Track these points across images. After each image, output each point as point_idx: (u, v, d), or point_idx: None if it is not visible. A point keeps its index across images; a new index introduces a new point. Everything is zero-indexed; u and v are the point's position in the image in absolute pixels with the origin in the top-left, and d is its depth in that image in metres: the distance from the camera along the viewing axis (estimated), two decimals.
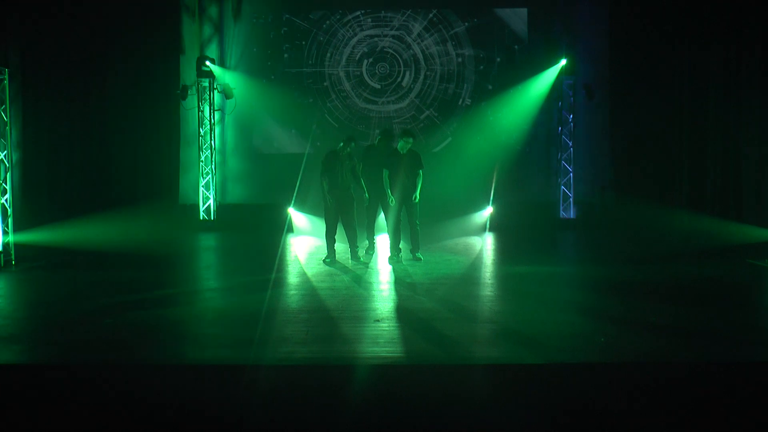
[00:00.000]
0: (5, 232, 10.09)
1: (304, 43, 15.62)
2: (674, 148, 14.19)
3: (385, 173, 9.87)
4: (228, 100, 15.42)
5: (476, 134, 15.26)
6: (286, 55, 15.63)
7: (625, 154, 14.97)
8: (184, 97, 15.00)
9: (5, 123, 10.33)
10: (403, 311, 7.02)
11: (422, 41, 15.57)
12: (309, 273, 9.37)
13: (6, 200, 10.22)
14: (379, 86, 15.64)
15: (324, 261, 10.02)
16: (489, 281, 8.95)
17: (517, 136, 15.50)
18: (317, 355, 5.55)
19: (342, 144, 9.93)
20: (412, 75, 15.64)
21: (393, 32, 15.58)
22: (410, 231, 10.11)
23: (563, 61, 14.62)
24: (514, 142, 15.45)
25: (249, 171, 15.57)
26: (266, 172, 15.38)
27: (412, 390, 4.96)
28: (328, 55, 15.63)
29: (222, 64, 15.39)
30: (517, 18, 15.48)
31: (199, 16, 15.48)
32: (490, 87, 15.56)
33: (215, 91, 15.36)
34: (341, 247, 10.34)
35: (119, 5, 14.06)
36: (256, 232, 13.44)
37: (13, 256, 10.08)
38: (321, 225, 10.48)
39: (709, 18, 13.18)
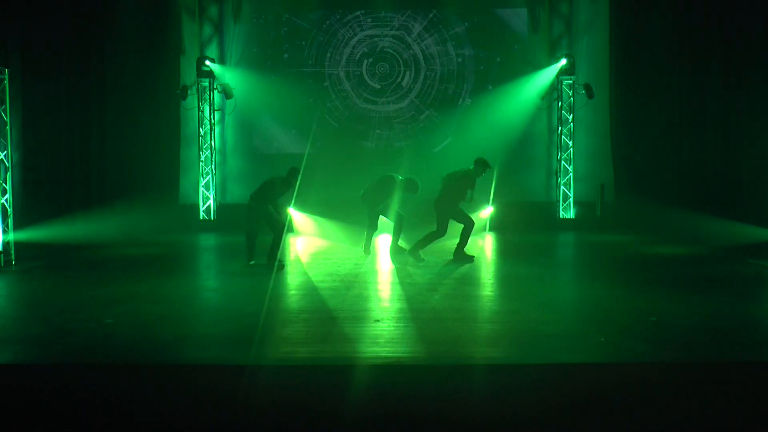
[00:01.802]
0: (5, 232, 10.09)
1: (304, 43, 15.61)
2: (674, 147, 14.19)
3: (470, 194, 10.18)
4: (228, 100, 15.43)
5: (476, 134, 15.26)
6: (286, 55, 15.63)
7: (625, 154, 14.97)
8: (184, 97, 15.00)
9: (5, 123, 10.33)
10: (403, 311, 7.02)
11: (422, 41, 15.57)
12: (309, 273, 9.37)
13: (6, 200, 10.22)
14: (379, 86, 15.64)
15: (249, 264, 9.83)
16: (489, 281, 8.94)
17: (517, 136, 15.50)
18: (317, 355, 5.54)
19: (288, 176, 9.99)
20: (412, 75, 15.64)
21: (393, 32, 15.58)
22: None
23: (563, 61, 14.63)
24: (513, 142, 15.45)
25: (249, 171, 15.57)
26: (266, 172, 15.39)
27: (412, 390, 4.96)
28: (328, 55, 15.63)
29: (222, 64, 15.40)
30: (517, 18, 15.48)
31: (199, 16, 15.49)
32: (490, 87, 15.56)
33: (215, 91, 15.37)
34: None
35: (119, 5, 14.06)
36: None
37: (13, 256, 10.08)
38: (323, 225, 10.50)
39: (708, 18, 13.17)
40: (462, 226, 10.17)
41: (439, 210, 10.19)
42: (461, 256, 10.14)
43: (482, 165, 10.23)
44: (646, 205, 14.29)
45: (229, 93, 15.26)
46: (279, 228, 9.69)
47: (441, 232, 10.19)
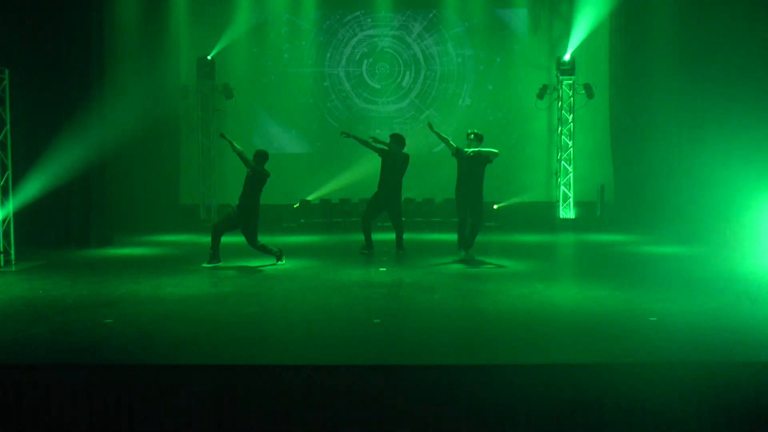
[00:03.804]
0: (5, 233, 10.08)
1: (304, 43, 15.61)
2: (674, 147, 14.19)
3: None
4: (228, 100, 15.44)
5: None
6: (286, 55, 15.64)
7: (625, 154, 14.97)
8: (184, 97, 14.99)
9: (5, 123, 10.32)
10: (402, 311, 7.01)
11: (422, 41, 15.57)
12: (309, 273, 9.37)
13: (6, 200, 10.21)
14: (379, 86, 15.65)
15: (207, 264, 9.84)
16: (489, 281, 8.94)
17: (517, 136, 15.51)
18: (316, 356, 5.54)
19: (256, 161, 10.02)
20: (412, 75, 15.64)
21: (393, 32, 15.59)
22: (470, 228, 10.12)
23: (563, 59, 14.63)
24: (513, 142, 15.45)
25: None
26: None
27: (413, 390, 4.96)
28: (328, 55, 15.64)
29: (222, 64, 15.40)
30: (517, 18, 15.49)
31: (199, 16, 15.49)
32: (490, 87, 15.56)
33: (215, 91, 15.37)
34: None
35: (120, 5, 14.07)
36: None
37: (12, 256, 10.07)
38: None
39: (708, 18, 13.17)
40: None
41: (469, 201, 10.05)
42: (465, 250, 10.12)
43: (470, 137, 10.09)
44: (646, 205, 14.28)
45: (228, 93, 15.26)
46: (255, 238, 9.75)
47: (475, 222, 10.06)
